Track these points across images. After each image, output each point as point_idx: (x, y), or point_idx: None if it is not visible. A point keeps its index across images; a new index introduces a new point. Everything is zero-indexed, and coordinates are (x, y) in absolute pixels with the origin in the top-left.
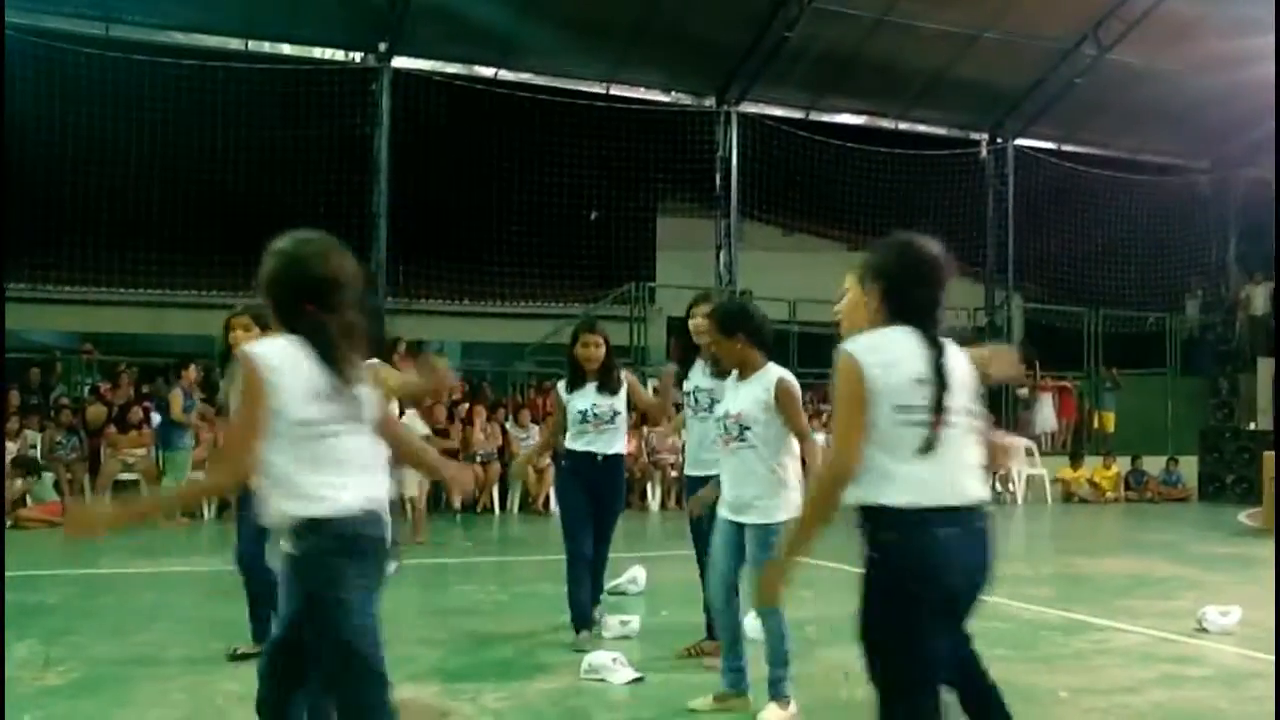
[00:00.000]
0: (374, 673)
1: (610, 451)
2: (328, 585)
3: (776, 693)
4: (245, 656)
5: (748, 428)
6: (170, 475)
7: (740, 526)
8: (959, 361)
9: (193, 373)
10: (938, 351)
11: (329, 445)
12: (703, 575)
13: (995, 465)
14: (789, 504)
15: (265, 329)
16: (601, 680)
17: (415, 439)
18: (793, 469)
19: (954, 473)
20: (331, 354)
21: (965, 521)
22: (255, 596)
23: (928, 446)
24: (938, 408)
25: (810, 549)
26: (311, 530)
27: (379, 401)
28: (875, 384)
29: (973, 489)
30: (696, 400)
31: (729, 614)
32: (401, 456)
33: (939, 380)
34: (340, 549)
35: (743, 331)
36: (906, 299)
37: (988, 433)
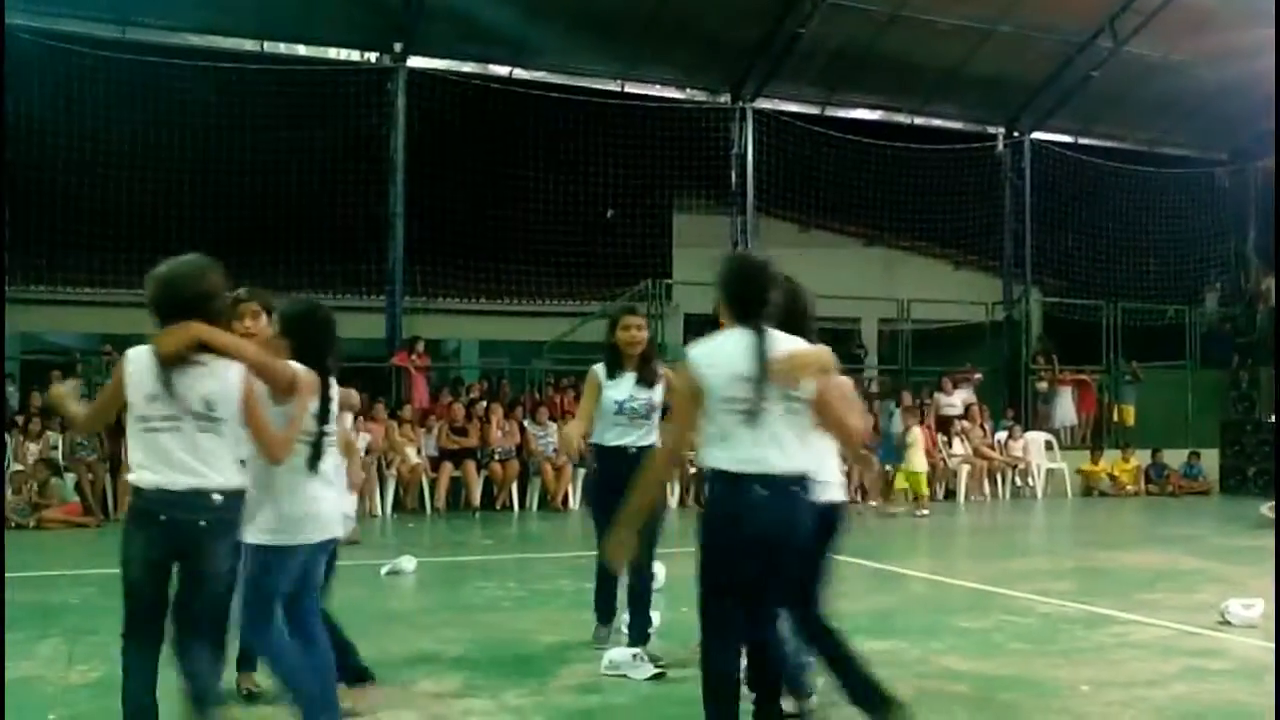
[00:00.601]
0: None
1: (644, 443)
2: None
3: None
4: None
5: None
6: None
7: None
8: (783, 358)
9: None
10: (763, 350)
11: (151, 439)
12: None
13: (849, 451)
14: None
15: (270, 314)
16: (623, 676)
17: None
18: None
19: (765, 448)
20: (162, 362)
21: (771, 485)
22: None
23: (748, 426)
24: (757, 397)
25: (640, 517)
26: (134, 495)
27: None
28: (705, 382)
29: (779, 462)
30: None
31: None
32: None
33: (760, 375)
34: (132, 519)
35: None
36: (739, 305)
37: (838, 422)
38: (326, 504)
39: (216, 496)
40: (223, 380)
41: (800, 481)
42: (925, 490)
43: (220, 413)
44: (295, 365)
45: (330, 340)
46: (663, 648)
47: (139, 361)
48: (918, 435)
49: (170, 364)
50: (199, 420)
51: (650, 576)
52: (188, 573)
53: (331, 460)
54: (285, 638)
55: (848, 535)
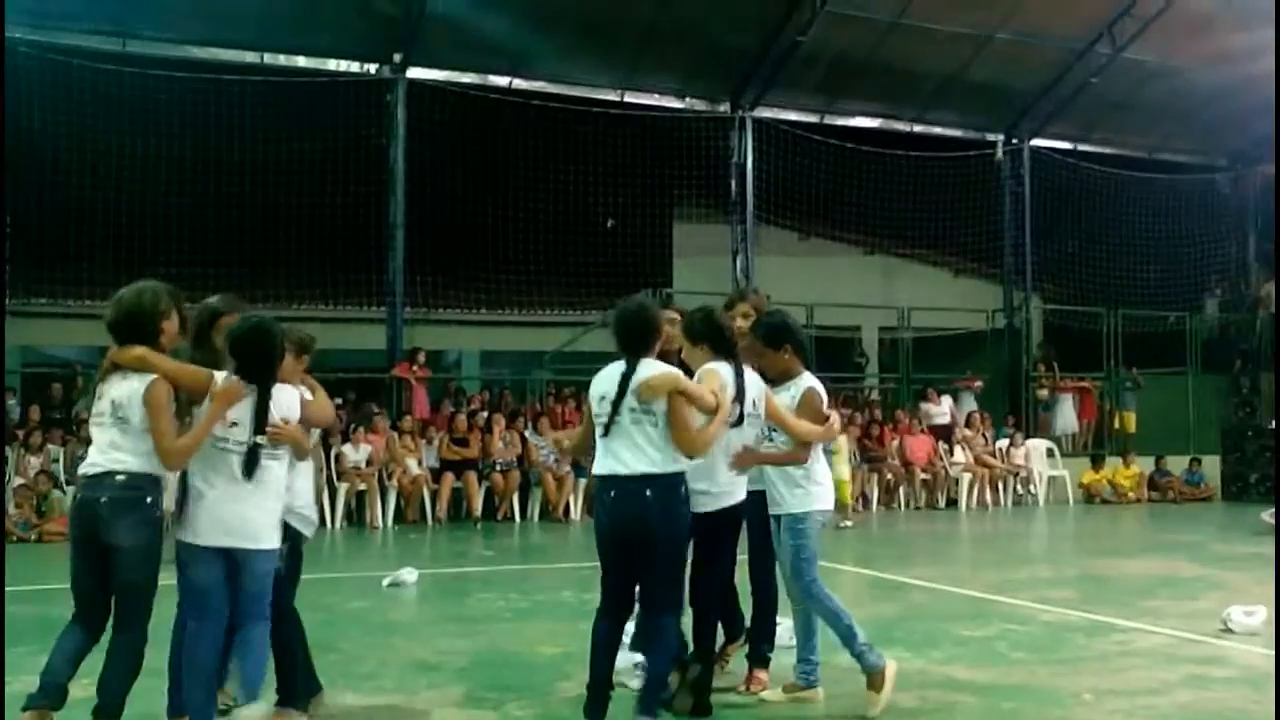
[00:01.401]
0: None
1: None
2: None
3: (866, 666)
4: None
5: (778, 431)
6: None
7: (777, 519)
8: (640, 379)
9: None
10: (627, 376)
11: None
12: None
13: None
14: (817, 497)
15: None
16: (623, 685)
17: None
18: (819, 467)
19: (618, 451)
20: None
21: (618, 486)
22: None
23: (605, 433)
24: (611, 413)
25: None
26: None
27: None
28: (591, 399)
29: (632, 463)
30: None
31: (802, 608)
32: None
33: (617, 396)
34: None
35: (789, 344)
36: (619, 342)
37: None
38: (260, 512)
39: (120, 477)
40: (130, 388)
41: (650, 483)
42: (848, 500)
43: (125, 413)
44: (217, 375)
45: (271, 357)
46: None
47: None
48: (842, 443)
49: (102, 376)
50: (114, 419)
51: None
52: (101, 552)
53: (277, 471)
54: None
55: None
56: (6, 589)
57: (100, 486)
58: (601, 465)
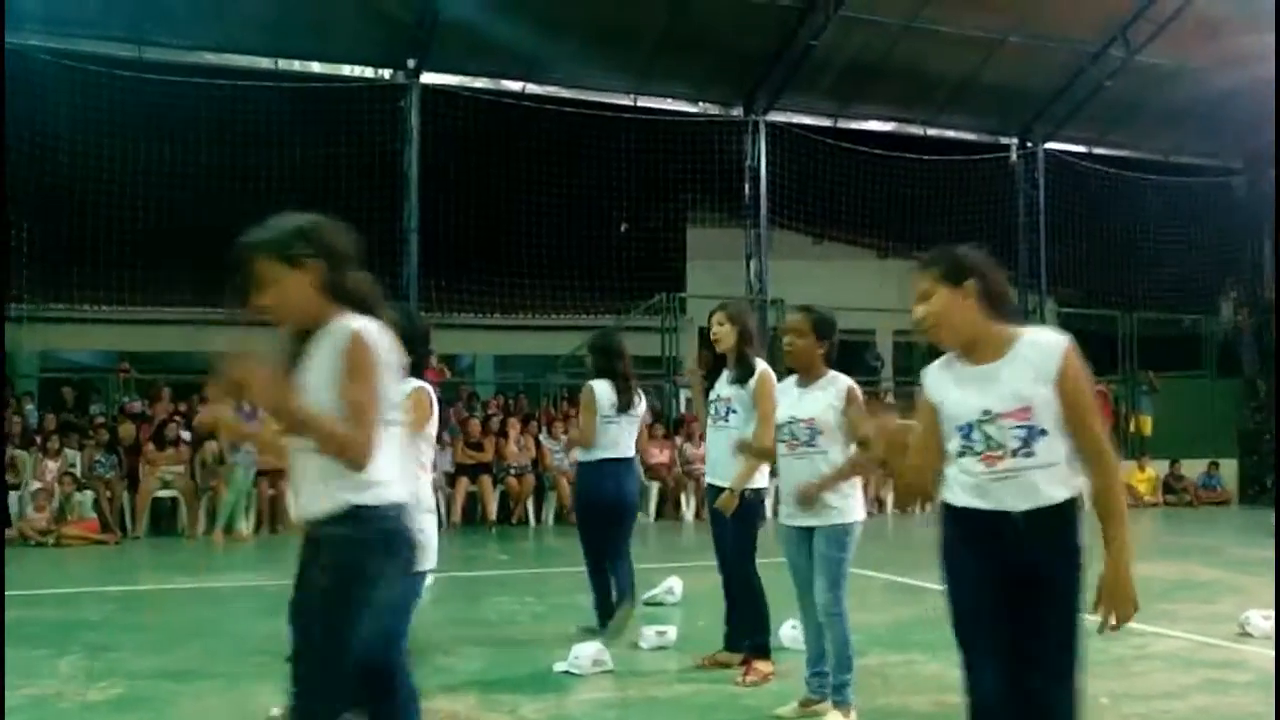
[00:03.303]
0: None
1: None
2: None
3: (839, 699)
4: None
5: (820, 433)
6: (231, 491)
7: (808, 530)
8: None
9: None
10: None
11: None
12: (726, 584)
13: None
14: (856, 506)
15: None
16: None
17: None
18: None
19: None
20: None
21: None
22: None
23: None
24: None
25: None
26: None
27: None
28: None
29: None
30: (715, 410)
31: (814, 619)
32: None
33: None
34: None
35: (829, 339)
36: (1004, 295)
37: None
38: None
39: None
40: None
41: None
42: None
43: None
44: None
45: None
46: (679, 659)
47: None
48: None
49: None
50: None
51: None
52: None
53: None
54: None
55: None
56: (26, 593)
57: None
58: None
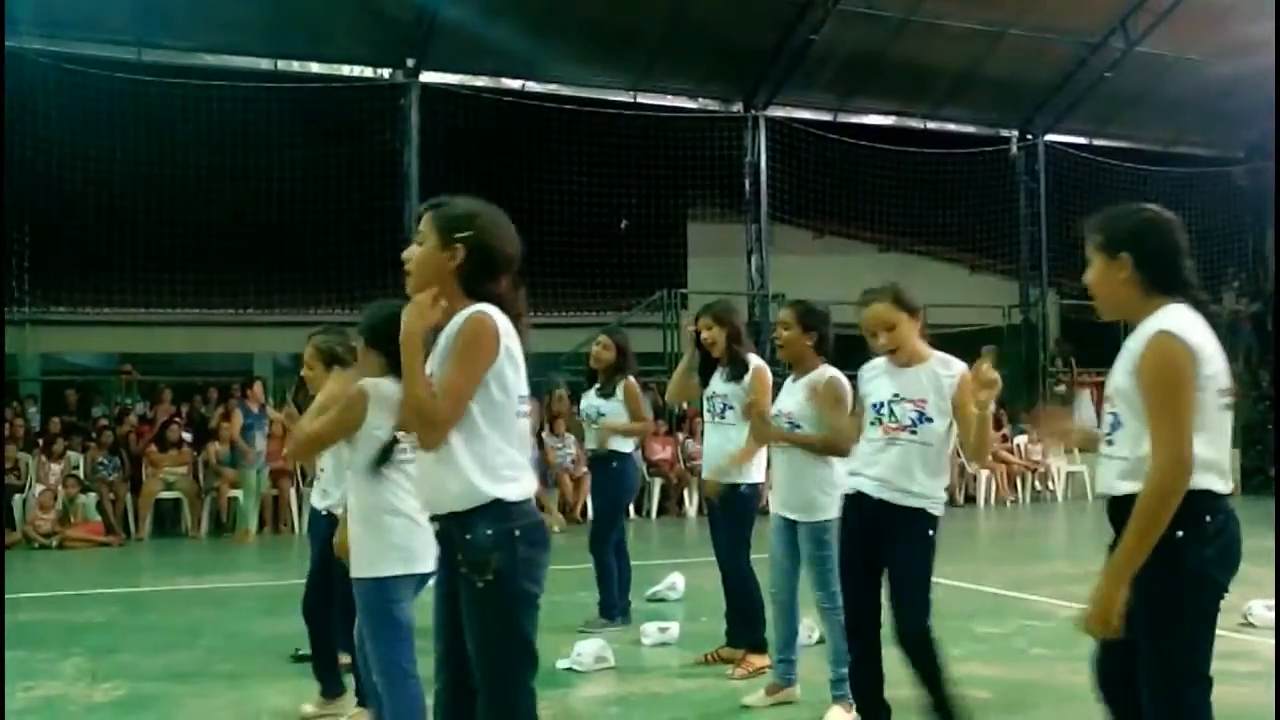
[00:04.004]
0: None
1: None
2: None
3: (839, 693)
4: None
5: (797, 426)
6: (247, 491)
7: (794, 524)
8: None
9: (258, 390)
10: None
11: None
12: (725, 576)
13: None
14: (838, 502)
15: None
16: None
17: None
18: (840, 467)
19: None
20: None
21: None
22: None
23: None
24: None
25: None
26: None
27: None
28: (1203, 369)
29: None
30: (712, 407)
31: (790, 608)
32: None
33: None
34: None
35: (817, 330)
36: (1175, 269)
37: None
38: None
39: None
40: None
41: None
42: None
43: None
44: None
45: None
46: (681, 655)
47: None
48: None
49: None
50: None
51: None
52: None
53: None
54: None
55: None
56: (30, 595)
57: None
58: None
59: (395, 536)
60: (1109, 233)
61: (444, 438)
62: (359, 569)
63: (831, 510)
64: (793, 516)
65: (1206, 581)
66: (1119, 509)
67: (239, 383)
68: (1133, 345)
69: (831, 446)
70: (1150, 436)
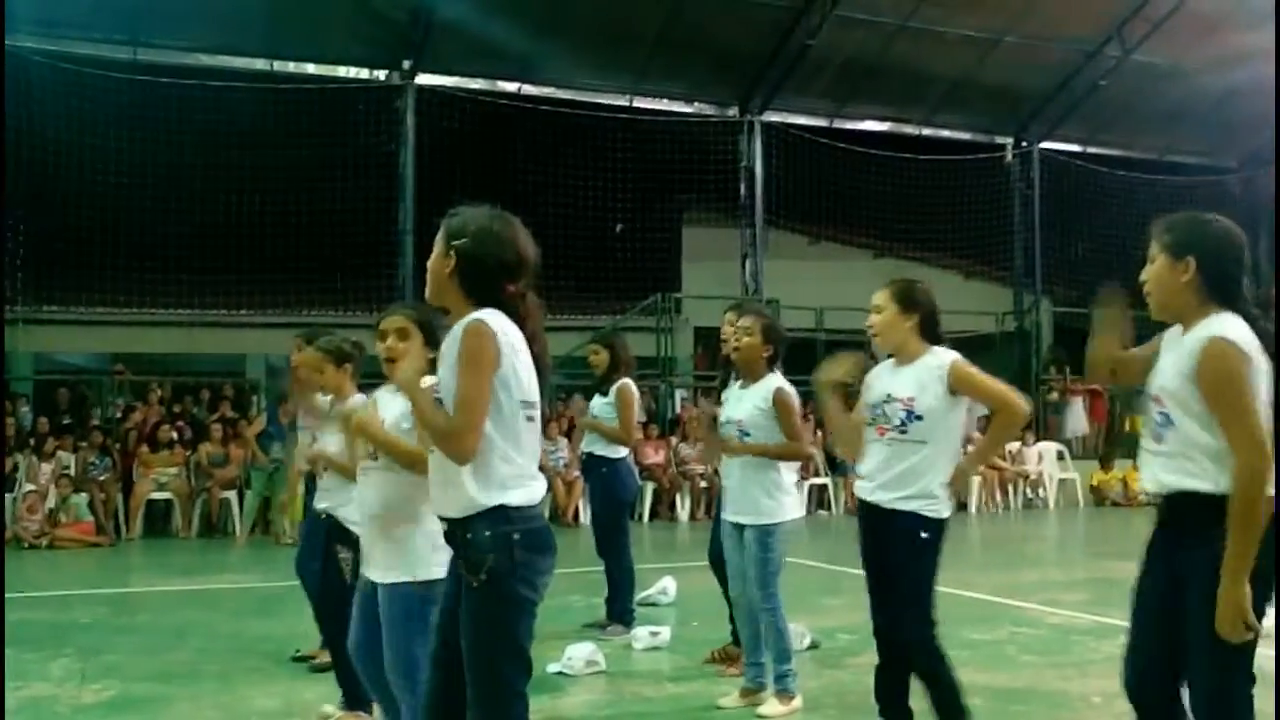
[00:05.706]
0: None
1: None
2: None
3: (781, 688)
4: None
5: (747, 434)
6: (253, 493)
7: (742, 527)
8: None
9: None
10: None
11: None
12: (722, 582)
13: None
14: (786, 507)
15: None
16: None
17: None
18: (787, 473)
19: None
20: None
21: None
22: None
23: None
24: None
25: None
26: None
27: None
28: (1254, 379)
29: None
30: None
31: (749, 610)
32: None
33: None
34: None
35: (774, 346)
36: (1235, 282)
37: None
38: None
39: None
40: None
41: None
42: None
43: None
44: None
45: None
46: (672, 659)
47: None
48: None
49: None
50: None
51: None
52: None
53: None
54: None
55: None
56: (21, 595)
57: None
58: None
59: (440, 539)
60: (1178, 234)
61: (474, 446)
62: (396, 573)
63: (778, 514)
64: (742, 520)
65: (1267, 583)
66: (1175, 507)
67: (230, 382)
68: (1187, 347)
69: (794, 453)
70: (1228, 441)
